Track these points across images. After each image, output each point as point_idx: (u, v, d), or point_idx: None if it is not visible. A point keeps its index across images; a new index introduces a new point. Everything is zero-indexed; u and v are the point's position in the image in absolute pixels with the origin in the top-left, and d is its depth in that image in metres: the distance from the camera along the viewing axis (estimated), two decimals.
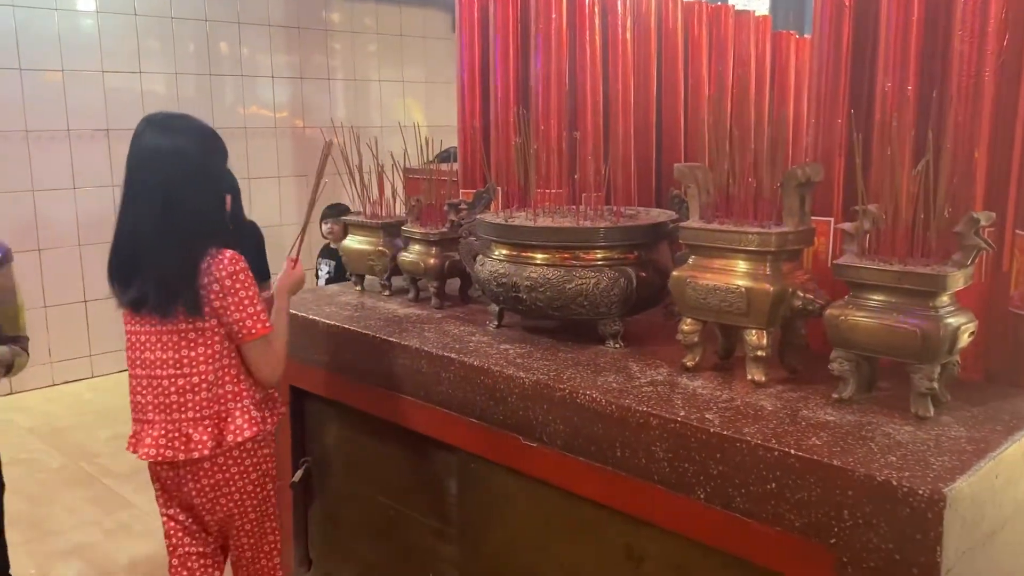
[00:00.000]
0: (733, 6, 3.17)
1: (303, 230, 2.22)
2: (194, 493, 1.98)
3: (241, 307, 1.90)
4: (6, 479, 2.48)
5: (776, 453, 1.43)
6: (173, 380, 1.91)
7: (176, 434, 1.91)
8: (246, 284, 1.91)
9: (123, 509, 3.63)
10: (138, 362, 1.94)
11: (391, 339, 2.16)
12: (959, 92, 1.70)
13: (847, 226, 1.62)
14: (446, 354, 2.02)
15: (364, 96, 7.13)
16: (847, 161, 1.93)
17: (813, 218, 1.79)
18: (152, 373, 1.92)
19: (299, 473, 2.54)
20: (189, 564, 2.06)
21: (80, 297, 5.53)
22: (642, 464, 1.63)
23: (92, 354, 5.61)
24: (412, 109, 7.39)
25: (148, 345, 1.93)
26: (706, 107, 2.79)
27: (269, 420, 2.03)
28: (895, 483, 1.29)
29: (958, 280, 1.49)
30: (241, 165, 6.09)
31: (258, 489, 2.04)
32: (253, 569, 2.15)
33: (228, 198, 2.06)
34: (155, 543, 3.49)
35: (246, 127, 6.31)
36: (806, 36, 3.52)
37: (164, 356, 1.91)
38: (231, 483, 1.98)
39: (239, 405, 1.95)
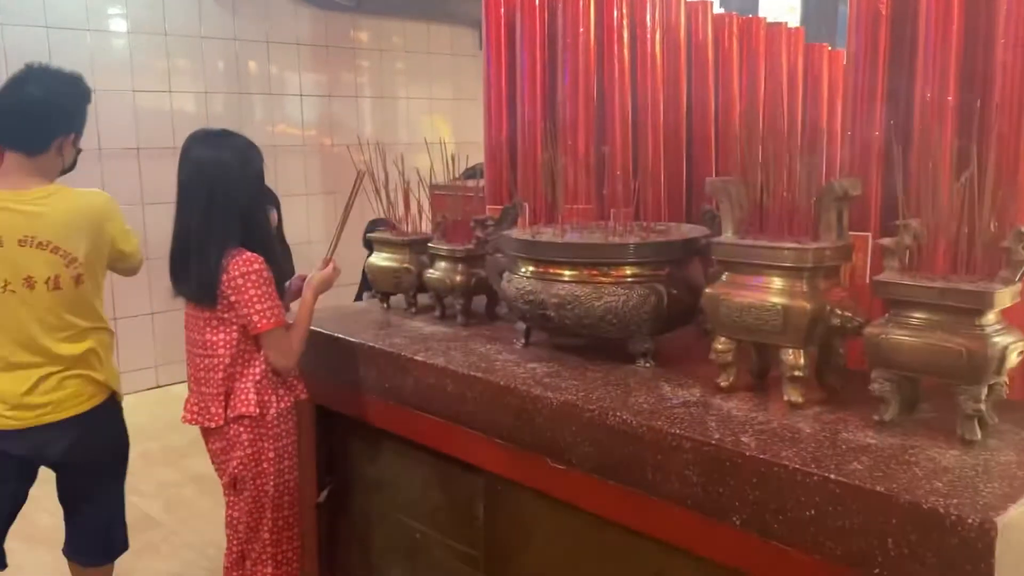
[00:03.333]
0: (764, 18, 3.12)
1: (338, 233, 2.48)
2: (210, 455, 2.31)
3: (249, 304, 2.12)
4: (35, 495, 2.51)
5: (815, 478, 1.37)
6: (202, 359, 2.22)
7: (202, 405, 2.23)
8: (256, 283, 2.13)
9: (150, 528, 3.61)
10: (186, 340, 2.28)
11: (416, 358, 2.13)
12: (1003, 101, 1.64)
13: (887, 241, 1.56)
14: (472, 373, 1.98)
15: (391, 113, 7.14)
16: (884, 174, 1.87)
17: (850, 233, 1.73)
18: (191, 351, 2.26)
19: (324, 494, 2.50)
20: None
21: (110, 315, 5.55)
22: (675, 488, 1.57)
23: (122, 371, 5.62)
24: (439, 126, 7.40)
25: (190, 326, 2.25)
26: (738, 120, 2.74)
27: (273, 404, 2.22)
28: (942, 511, 1.23)
29: (1005, 297, 1.43)
30: (270, 183, 6.07)
31: (252, 463, 2.21)
32: (243, 549, 2.30)
33: (273, 212, 2.29)
34: (181, 563, 3.47)
35: (274, 145, 6.33)
36: (839, 49, 3.46)
37: (198, 337, 2.22)
38: (229, 451, 2.22)
39: (244, 386, 2.19)
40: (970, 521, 1.20)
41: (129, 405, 5.37)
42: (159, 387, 5.76)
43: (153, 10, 5.65)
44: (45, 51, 5.19)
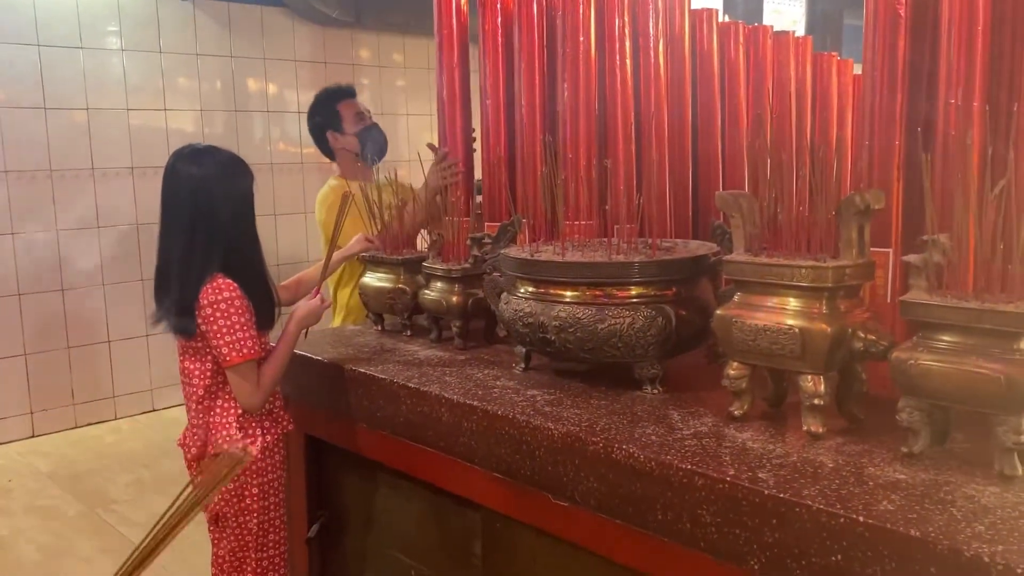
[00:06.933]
0: (771, 27, 3.01)
1: (327, 261, 2.36)
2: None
3: (218, 335, 1.99)
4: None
5: (842, 520, 1.24)
6: (184, 387, 2.15)
7: (188, 433, 2.16)
8: (227, 313, 1.99)
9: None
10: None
11: (409, 385, 2.00)
12: None
13: (914, 258, 1.44)
14: (468, 401, 1.85)
15: (392, 130, 7.03)
16: (906, 186, 1.75)
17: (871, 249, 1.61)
18: (180, 377, 2.16)
19: (315, 528, 2.37)
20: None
21: (104, 338, 5.45)
22: (687, 529, 1.44)
23: (116, 395, 5.51)
24: None
25: (178, 352, 2.14)
26: (746, 130, 2.63)
27: (259, 438, 2.09)
28: (987, 559, 1.10)
29: None
30: (267, 201, 6.01)
31: (234, 500, 2.08)
32: None
33: None
34: None
35: (272, 163, 6.24)
36: (847, 59, 3.36)
37: (180, 365, 2.14)
38: None
39: (224, 420, 2.07)
40: (1020, 571, 1.07)
41: (123, 430, 5.30)
42: (154, 411, 5.64)
43: (147, 28, 5.56)
44: (37, 70, 5.10)
